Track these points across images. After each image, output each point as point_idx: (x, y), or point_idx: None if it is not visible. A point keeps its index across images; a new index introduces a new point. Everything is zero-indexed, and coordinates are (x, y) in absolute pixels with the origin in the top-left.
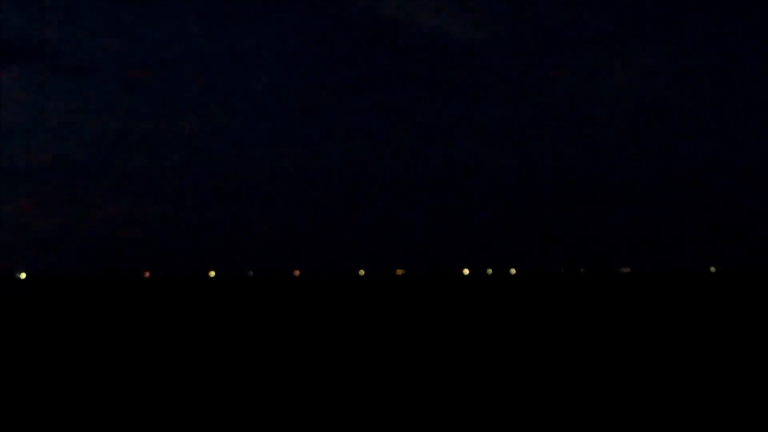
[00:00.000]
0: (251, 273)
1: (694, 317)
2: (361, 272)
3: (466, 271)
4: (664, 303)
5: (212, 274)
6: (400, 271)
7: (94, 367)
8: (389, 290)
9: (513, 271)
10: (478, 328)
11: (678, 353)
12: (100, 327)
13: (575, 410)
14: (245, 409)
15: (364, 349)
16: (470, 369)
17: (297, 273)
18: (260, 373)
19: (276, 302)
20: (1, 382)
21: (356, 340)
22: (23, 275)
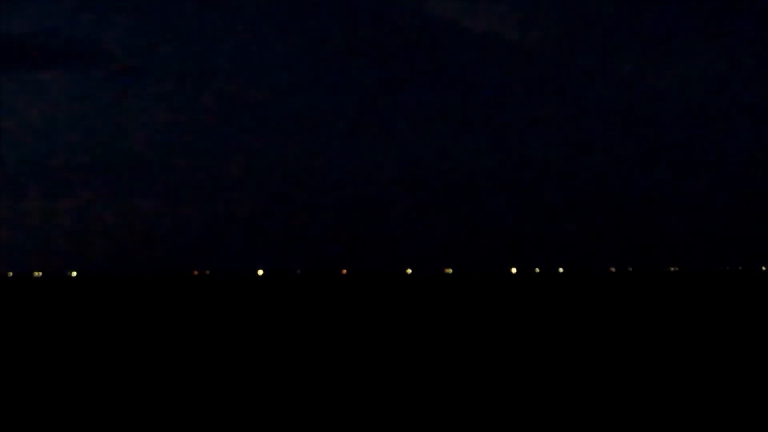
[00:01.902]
0: (299, 271)
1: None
2: (408, 271)
3: (513, 270)
4: (710, 303)
5: (260, 272)
6: (448, 270)
7: (131, 362)
8: (436, 289)
9: (561, 269)
10: (521, 327)
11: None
12: (139, 324)
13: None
14: (295, 402)
15: (409, 345)
16: (511, 365)
17: (344, 272)
18: (305, 368)
19: (323, 300)
20: (48, 376)
21: (402, 337)
22: (74, 273)
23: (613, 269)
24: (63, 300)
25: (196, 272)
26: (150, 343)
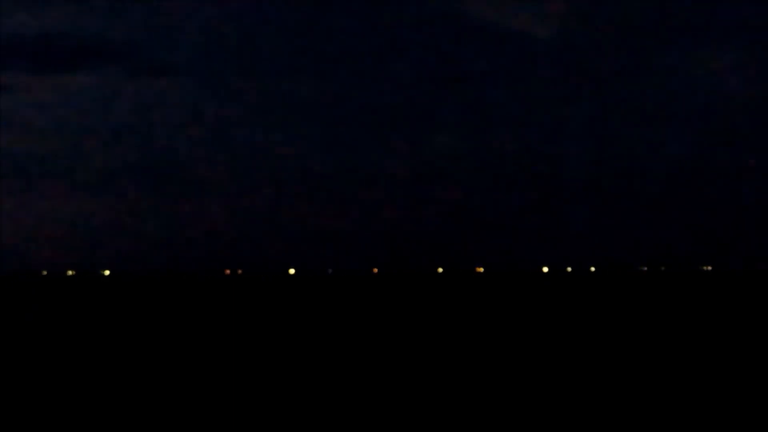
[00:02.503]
0: (330, 271)
1: None
2: (440, 270)
3: (545, 269)
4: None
5: (292, 271)
6: (479, 269)
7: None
8: (467, 288)
9: (593, 269)
10: (548, 325)
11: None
12: (162, 322)
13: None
14: (336, 398)
15: (435, 344)
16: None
17: (375, 271)
18: (338, 367)
19: (352, 299)
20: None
21: (432, 336)
22: (107, 272)
23: (645, 268)
24: (93, 299)
25: (228, 271)
26: (173, 341)
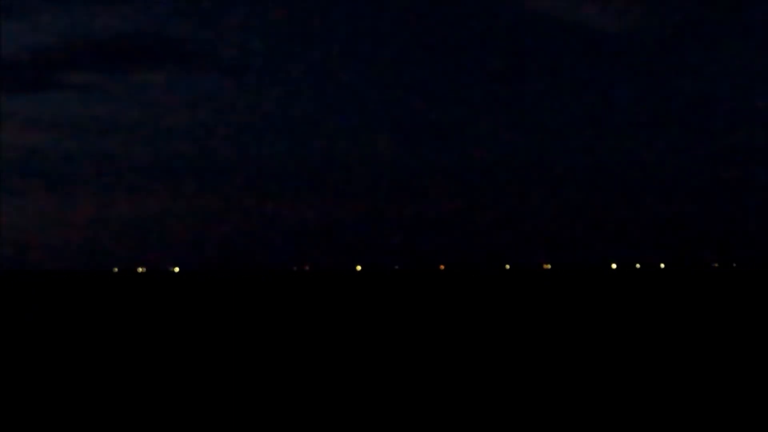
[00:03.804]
0: (396, 267)
1: None
2: (507, 267)
3: (613, 266)
4: None
5: (358, 268)
6: (546, 266)
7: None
8: (534, 285)
9: (662, 265)
10: (612, 324)
11: None
12: (221, 318)
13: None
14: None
15: (503, 341)
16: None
17: (442, 267)
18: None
19: (422, 296)
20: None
21: (495, 334)
22: (176, 269)
23: (716, 264)
24: (164, 295)
25: (295, 268)
26: (230, 338)
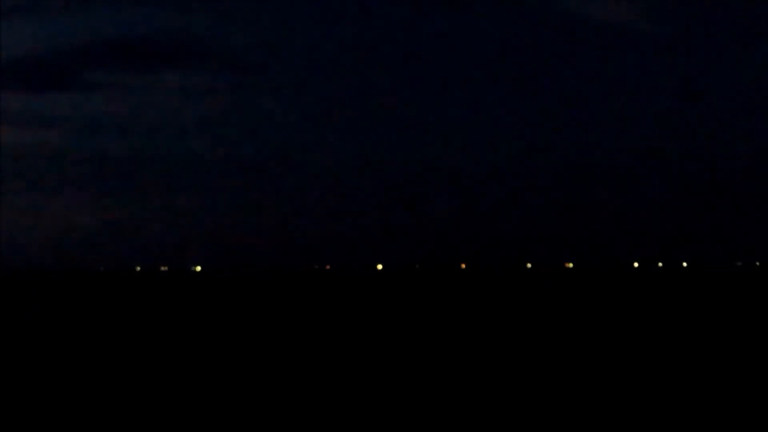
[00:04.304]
0: (417, 266)
1: None
2: (528, 265)
3: (636, 264)
4: None
5: (379, 267)
6: (568, 264)
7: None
8: (557, 283)
9: (684, 264)
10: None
11: None
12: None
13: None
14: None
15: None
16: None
17: (463, 266)
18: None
19: (442, 294)
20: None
21: (514, 332)
22: (198, 268)
23: (739, 263)
24: (186, 293)
25: (315, 266)
26: (245, 336)
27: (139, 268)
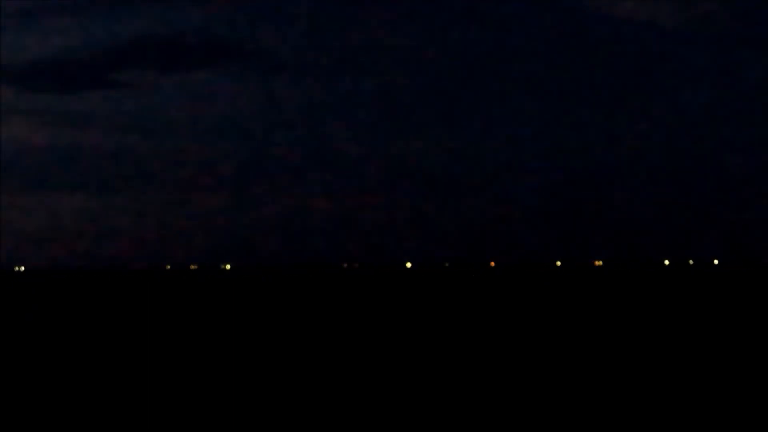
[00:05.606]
0: (447, 264)
1: None
2: (558, 263)
3: (666, 262)
4: None
5: (408, 265)
6: (598, 262)
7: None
8: (586, 281)
9: (716, 261)
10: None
11: None
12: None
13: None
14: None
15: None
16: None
17: (492, 264)
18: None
19: (468, 292)
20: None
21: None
22: (227, 266)
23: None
24: (216, 292)
25: (345, 264)
26: (266, 334)
27: (168, 267)
